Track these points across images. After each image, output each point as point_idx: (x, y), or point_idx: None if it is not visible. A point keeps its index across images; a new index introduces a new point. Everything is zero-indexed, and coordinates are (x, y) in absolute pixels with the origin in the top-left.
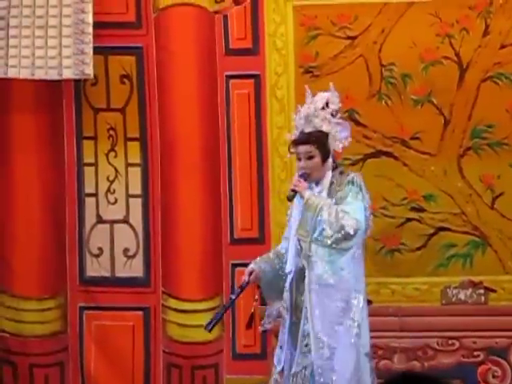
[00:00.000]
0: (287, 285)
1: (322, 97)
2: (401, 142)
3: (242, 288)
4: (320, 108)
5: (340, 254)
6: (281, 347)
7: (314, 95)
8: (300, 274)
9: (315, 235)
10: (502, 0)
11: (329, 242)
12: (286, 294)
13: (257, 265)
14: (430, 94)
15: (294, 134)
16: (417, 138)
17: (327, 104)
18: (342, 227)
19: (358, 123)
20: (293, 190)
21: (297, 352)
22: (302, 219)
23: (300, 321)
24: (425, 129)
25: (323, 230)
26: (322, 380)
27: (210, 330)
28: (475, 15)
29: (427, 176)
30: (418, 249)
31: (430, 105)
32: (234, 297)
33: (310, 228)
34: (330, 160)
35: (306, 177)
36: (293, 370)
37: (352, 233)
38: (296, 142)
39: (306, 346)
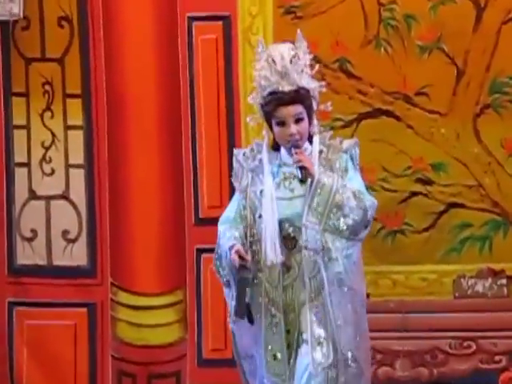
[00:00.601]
0: (272, 279)
1: (285, 47)
2: (404, 98)
3: (249, 269)
4: (291, 60)
5: (355, 246)
6: (274, 356)
7: (266, 47)
8: (284, 267)
9: (331, 223)
10: None
11: (348, 231)
12: (275, 291)
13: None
14: (440, 40)
15: (263, 94)
16: (423, 94)
17: (295, 56)
18: (365, 213)
19: (351, 75)
20: (302, 168)
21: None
22: (312, 203)
23: (295, 319)
24: (433, 82)
25: (344, 216)
26: None
27: (243, 317)
28: None
29: (436, 140)
30: (426, 230)
31: (439, 52)
32: (246, 275)
33: (322, 214)
34: (316, 122)
35: (297, 145)
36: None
37: (371, 218)
38: (281, 103)
39: (320, 343)
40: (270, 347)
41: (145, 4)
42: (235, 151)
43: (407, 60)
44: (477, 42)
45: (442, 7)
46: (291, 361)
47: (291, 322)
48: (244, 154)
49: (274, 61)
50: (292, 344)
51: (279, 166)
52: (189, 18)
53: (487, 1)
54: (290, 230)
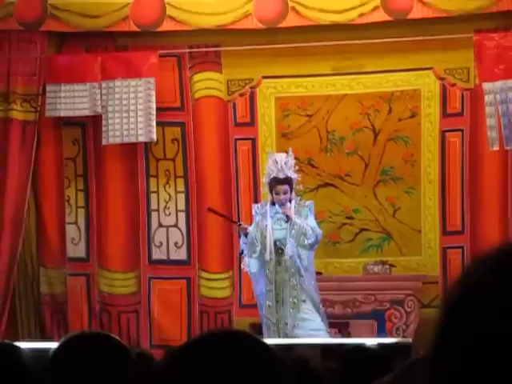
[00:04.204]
0: (271, 268)
1: (282, 156)
2: (339, 177)
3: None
4: (285, 163)
5: (311, 252)
6: (269, 306)
7: (274, 155)
8: (276, 262)
9: (301, 242)
10: (399, 93)
11: (308, 246)
12: (271, 275)
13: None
14: (357, 149)
15: (269, 178)
16: (349, 175)
17: (287, 162)
18: (317, 237)
19: (313, 166)
20: (287, 215)
21: (286, 308)
22: (291, 232)
23: (282, 291)
24: (353, 169)
25: (308, 238)
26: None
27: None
28: (383, 101)
29: (355, 197)
30: (350, 241)
31: (356, 155)
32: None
33: (296, 238)
34: (294, 193)
35: (284, 204)
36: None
37: (319, 240)
38: (278, 182)
39: (294, 303)
40: (267, 302)
41: (214, 133)
42: (253, 205)
43: (341, 158)
44: (374, 150)
45: (357, 133)
46: (279, 310)
47: (280, 289)
48: (258, 207)
49: (276, 162)
50: (279, 301)
51: (275, 213)
52: (235, 139)
53: (379, 130)
54: (279, 245)
